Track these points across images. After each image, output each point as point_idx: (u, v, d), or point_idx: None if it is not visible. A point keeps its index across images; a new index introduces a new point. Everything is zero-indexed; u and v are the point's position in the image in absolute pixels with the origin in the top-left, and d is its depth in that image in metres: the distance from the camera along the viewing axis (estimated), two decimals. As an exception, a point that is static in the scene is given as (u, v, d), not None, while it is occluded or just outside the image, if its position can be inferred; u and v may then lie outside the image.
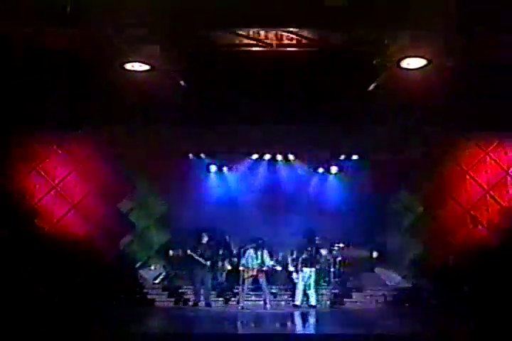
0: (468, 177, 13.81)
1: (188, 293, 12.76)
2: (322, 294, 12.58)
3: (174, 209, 14.35)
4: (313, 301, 11.89)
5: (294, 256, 12.21)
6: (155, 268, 14.11)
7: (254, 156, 14.79)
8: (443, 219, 13.79)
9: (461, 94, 10.45)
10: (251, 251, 12.15)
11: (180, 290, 13.01)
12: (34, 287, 9.46)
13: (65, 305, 9.48)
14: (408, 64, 9.24)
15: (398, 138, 12.98)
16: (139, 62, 9.26)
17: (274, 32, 9.30)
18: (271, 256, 12.39)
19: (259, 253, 12.15)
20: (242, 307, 11.73)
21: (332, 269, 13.13)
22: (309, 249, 12.07)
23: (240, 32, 9.24)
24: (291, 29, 9.16)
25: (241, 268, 12.11)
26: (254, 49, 9.48)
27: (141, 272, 13.83)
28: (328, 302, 12.41)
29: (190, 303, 12.28)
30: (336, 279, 13.19)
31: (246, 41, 9.44)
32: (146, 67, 9.40)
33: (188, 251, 12.20)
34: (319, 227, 13.83)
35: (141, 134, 12.85)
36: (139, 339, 7.13)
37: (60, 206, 13.57)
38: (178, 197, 14.18)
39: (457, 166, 13.88)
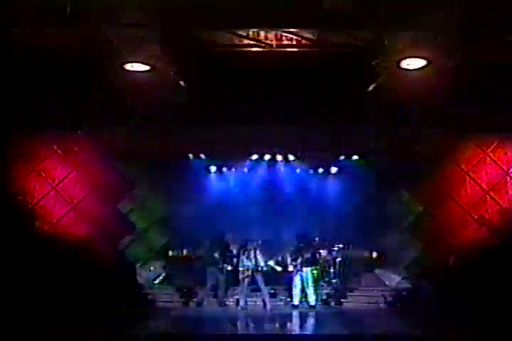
0: (468, 177, 13.81)
1: (188, 293, 12.77)
2: (322, 294, 12.58)
3: (174, 209, 14.35)
4: (312, 301, 11.89)
5: (294, 256, 12.19)
6: (155, 269, 14.11)
7: (254, 156, 14.79)
8: (443, 219, 13.78)
9: (461, 94, 10.45)
10: (250, 252, 12.14)
11: (179, 291, 13.02)
12: (34, 287, 9.44)
13: (64, 306, 9.47)
14: (408, 64, 9.25)
15: (398, 138, 12.97)
16: (139, 62, 9.26)
17: (273, 32, 9.30)
18: (270, 257, 12.38)
19: (258, 253, 12.14)
20: (242, 308, 11.73)
21: (332, 269, 13.13)
22: (309, 249, 12.06)
23: (240, 32, 9.26)
24: (290, 29, 9.16)
25: (240, 268, 12.10)
26: (254, 49, 9.48)
27: (141, 272, 13.82)
28: (328, 303, 12.40)
29: (192, 304, 12.31)
30: (336, 279, 13.19)
31: (246, 41, 9.46)
32: (146, 67, 9.40)
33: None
34: (319, 227, 13.88)
35: (141, 134, 12.85)
36: (138, 339, 7.13)
37: (60, 206, 13.57)
38: (178, 197, 14.18)
39: (457, 166, 13.87)
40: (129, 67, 9.35)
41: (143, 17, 8.51)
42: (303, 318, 10.62)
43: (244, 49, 9.53)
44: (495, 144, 13.59)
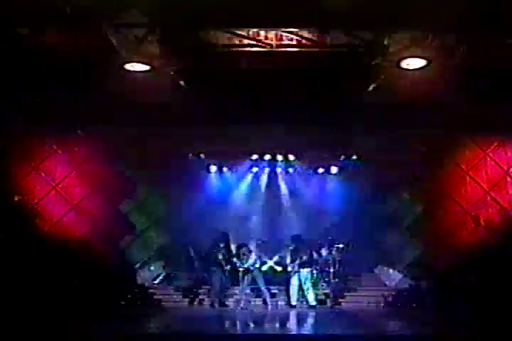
0: (468, 177, 13.81)
1: (188, 293, 12.78)
2: (322, 294, 12.59)
3: (174, 209, 14.35)
4: (312, 301, 11.89)
5: (292, 256, 12.19)
6: (155, 269, 14.11)
7: (254, 156, 14.79)
8: (443, 219, 13.79)
9: (461, 94, 10.44)
10: (250, 252, 12.15)
11: (179, 291, 13.03)
12: (34, 287, 9.44)
13: (64, 305, 9.47)
14: (408, 64, 9.23)
15: (398, 138, 12.97)
16: (139, 62, 9.26)
17: (273, 32, 9.29)
18: (270, 257, 12.38)
19: (258, 253, 12.14)
20: (242, 308, 11.73)
21: (332, 269, 13.12)
22: (306, 249, 12.05)
23: (240, 32, 9.24)
24: (290, 29, 9.15)
25: (240, 268, 12.11)
26: (254, 49, 9.47)
27: (141, 272, 13.83)
28: (328, 303, 12.40)
29: (192, 303, 12.32)
30: (336, 279, 13.17)
31: (246, 41, 9.44)
32: (146, 67, 9.39)
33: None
34: (319, 227, 13.88)
35: (141, 134, 12.85)
36: (138, 339, 7.13)
37: (60, 206, 13.59)
38: (178, 197, 14.19)
39: (457, 166, 13.88)
40: (129, 67, 9.34)
41: (143, 17, 8.51)
42: (302, 318, 10.61)
43: (244, 49, 9.51)
44: (495, 144, 13.60)
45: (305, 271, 11.93)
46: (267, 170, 15.14)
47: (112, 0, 8.12)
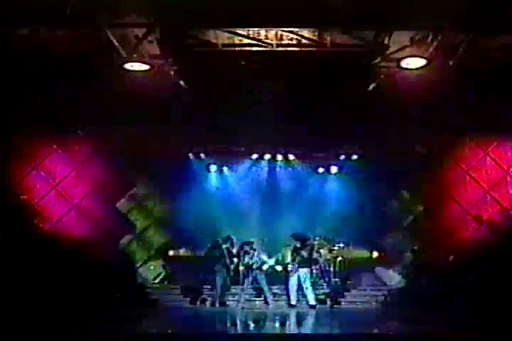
0: (468, 177, 13.81)
1: (189, 292, 12.78)
2: (322, 294, 12.59)
3: (174, 209, 14.36)
4: (312, 301, 11.89)
5: (291, 256, 12.19)
6: (155, 268, 14.12)
7: (254, 156, 14.80)
8: (443, 219, 13.78)
9: (461, 94, 10.44)
10: (251, 251, 12.15)
11: (179, 290, 13.03)
12: (33, 287, 9.44)
13: (64, 305, 9.47)
14: (408, 64, 9.23)
15: (398, 137, 12.97)
16: (139, 61, 9.26)
17: (274, 32, 9.29)
18: (270, 256, 12.38)
19: (259, 253, 12.15)
20: (242, 307, 11.74)
21: (332, 269, 13.14)
22: (306, 249, 12.06)
23: (240, 32, 9.24)
24: (291, 29, 9.15)
25: (241, 267, 12.12)
26: (254, 49, 9.47)
27: (141, 272, 13.83)
28: (328, 302, 12.41)
29: (193, 303, 12.32)
30: (336, 279, 13.20)
31: (246, 41, 9.43)
32: (146, 67, 9.39)
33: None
34: (319, 227, 13.88)
35: (141, 134, 12.85)
36: (138, 339, 7.13)
37: (60, 205, 13.57)
38: (178, 197, 14.20)
39: (457, 166, 13.87)
40: (128, 66, 9.34)
41: (142, 17, 8.51)
42: (303, 318, 10.61)
43: (244, 48, 9.51)
44: (495, 144, 13.59)
45: (305, 271, 11.92)
46: (267, 170, 15.14)
47: (111, 0, 8.12)
